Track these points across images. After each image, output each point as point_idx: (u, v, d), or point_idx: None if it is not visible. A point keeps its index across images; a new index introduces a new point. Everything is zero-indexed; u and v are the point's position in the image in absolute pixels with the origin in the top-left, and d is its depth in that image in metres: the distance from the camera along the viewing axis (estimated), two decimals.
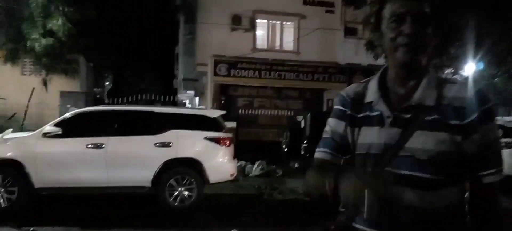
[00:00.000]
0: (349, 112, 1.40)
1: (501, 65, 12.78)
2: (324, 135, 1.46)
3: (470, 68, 11.37)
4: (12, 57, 14.06)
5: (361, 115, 1.37)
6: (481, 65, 12.18)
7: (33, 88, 13.54)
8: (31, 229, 5.28)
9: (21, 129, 10.82)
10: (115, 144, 6.50)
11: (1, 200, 6.07)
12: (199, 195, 6.63)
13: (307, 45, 14.81)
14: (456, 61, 11.65)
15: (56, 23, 12.79)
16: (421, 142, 1.24)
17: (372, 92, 1.37)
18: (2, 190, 6.09)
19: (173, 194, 6.55)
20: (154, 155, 6.55)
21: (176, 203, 6.55)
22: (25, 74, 14.85)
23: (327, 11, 15.10)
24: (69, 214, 6.26)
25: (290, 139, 10.90)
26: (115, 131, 6.62)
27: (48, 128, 6.48)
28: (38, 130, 6.58)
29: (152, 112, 6.95)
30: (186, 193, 6.58)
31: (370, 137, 1.32)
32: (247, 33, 14.83)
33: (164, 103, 15.75)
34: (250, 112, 14.30)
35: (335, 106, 1.46)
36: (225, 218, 6.18)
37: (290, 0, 14.75)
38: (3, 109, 13.27)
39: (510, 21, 8.84)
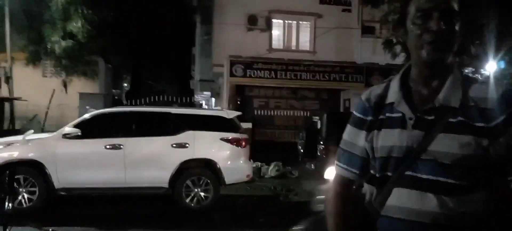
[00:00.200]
0: (370, 118, 1.35)
1: None
2: (344, 147, 1.41)
3: (491, 67, 11.09)
4: (33, 60, 14.43)
5: (382, 117, 1.32)
6: (502, 64, 11.88)
7: (54, 90, 13.85)
8: (51, 229, 5.38)
9: (42, 130, 11.07)
10: (133, 145, 6.58)
11: (22, 200, 6.21)
12: (215, 196, 6.65)
13: (324, 45, 14.70)
14: (477, 60, 11.39)
15: (76, 25, 13.06)
16: (445, 145, 1.19)
17: (393, 93, 1.31)
18: (23, 190, 6.22)
19: (190, 194, 6.60)
20: (171, 156, 6.61)
21: (192, 204, 6.60)
22: (46, 76, 15.23)
23: (343, 10, 14.97)
24: (87, 214, 6.37)
25: (306, 140, 10.83)
26: (133, 132, 6.71)
27: (67, 129, 6.59)
28: (58, 131, 6.71)
29: (169, 114, 7.01)
30: (202, 193, 6.62)
31: (391, 139, 1.27)
32: (263, 33, 14.82)
33: (181, 104, 15.89)
34: (266, 113, 14.28)
35: (355, 113, 1.40)
36: (241, 219, 6.19)
37: (306, 0, 14.67)
38: (24, 110, 13.61)
39: None
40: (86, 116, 7.08)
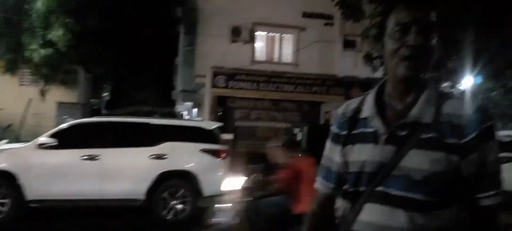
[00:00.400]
0: (345, 132, 1.35)
1: (498, 79, 12.80)
2: (323, 162, 1.44)
3: (468, 82, 11.38)
4: (11, 68, 14.11)
5: (355, 131, 1.32)
6: (479, 79, 12.21)
7: (30, 99, 13.55)
8: None
9: (18, 140, 10.79)
10: (110, 156, 6.46)
11: None
12: (193, 208, 6.56)
13: (306, 58, 14.83)
14: (454, 75, 11.66)
15: (56, 33, 12.83)
16: (416, 161, 1.18)
17: (368, 107, 1.31)
18: None
19: (167, 207, 6.49)
20: (149, 167, 6.51)
21: (169, 216, 6.49)
22: (23, 85, 14.88)
23: (326, 24, 15.15)
24: (60, 227, 6.19)
25: None
26: (110, 143, 6.60)
27: (42, 138, 6.45)
28: (33, 141, 6.55)
29: (147, 124, 6.93)
30: (180, 206, 6.52)
31: (364, 154, 1.27)
32: (246, 45, 14.87)
33: (163, 115, 15.74)
34: (247, 124, 14.26)
35: (331, 128, 1.42)
36: None
37: (290, 13, 14.81)
38: (0, 119, 13.25)
39: (506, 36, 8.86)
40: (63, 125, 6.94)
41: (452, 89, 12.79)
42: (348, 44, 15.17)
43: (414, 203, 1.18)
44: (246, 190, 4.32)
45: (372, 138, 1.26)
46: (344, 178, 1.34)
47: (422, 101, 1.23)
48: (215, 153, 6.76)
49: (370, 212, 1.23)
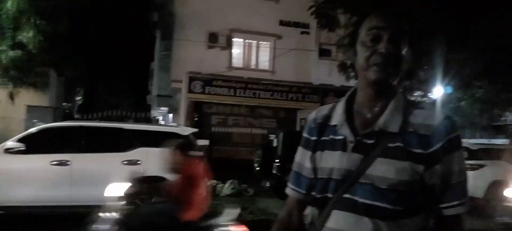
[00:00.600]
0: (314, 138, 1.36)
1: (466, 89, 13.26)
2: (294, 167, 1.44)
3: (438, 91, 11.73)
4: None
5: (325, 138, 1.33)
6: (449, 89, 12.60)
7: None
8: None
9: None
10: (81, 161, 6.30)
11: None
12: None
13: (282, 65, 14.97)
14: (425, 84, 12.00)
15: (27, 35, 12.46)
16: (382, 169, 1.19)
17: (337, 115, 1.32)
18: None
19: None
20: (121, 173, 6.35)
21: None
22: None
23: (302, 33, 15.36)
24: None
25: (262, 158, 10.87)
26: (81, 148, 6.43)
27: (10, 143, 6.22)
28: (0, 145, 6.32)
29: (120, 129, 6.80)
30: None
31: (332, 161, 1.28)
32: (223, 51, 14.88)
33: (137, 120, 15.50)
34: (224, 130, 14.24)
35: (303, 134, 1.42)
36: None
37: (267, 21, 14.93)
38: None
39: (473, 48, 9.21)
40: (32, 129, 6.72)
41: (422, 99, 13.17)
42: (324, 52, 15.43)
43: (380, 211, 1.19)
44: (128, 196, 3.99)
45: (341, 145, 1.27)
46: (314, 184, 1.35)
47: (390, 110, 1.24)
48: None
49: (337, 219, 1.24)
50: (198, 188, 3.74)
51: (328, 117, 1.36)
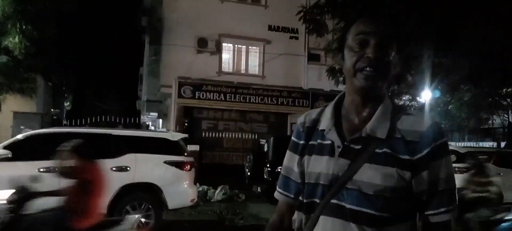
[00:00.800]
0: (302, 142, 1.35)
1: (454, 93, 13.44)
2: (282, 171, 1.43)
3: (426, 95, 11.87)
4: None
5: (313, 142, 1.32)
6: (437, 93, 12.75)
7: None
8: None
9: None
10: None
11: None
12: (157, 222, 6.40)
13: (272, 70, 15.00)
14: (414, 89, 12.14)
15: (13, 40, 12.27)
16: (369, 175, 1.18)
17: (325, 120, 1.31)
18: None
19: None
20: (110, 180, 6.29)
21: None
22: None
23: (291, 38, 15.42)
24: None
25: (253, 163, 10.86)
26: None
27: None
28: None
29: (109, 135, 6.72)
30: (143, 219, 6.34)
31: (319, 166, 1.27)
32: (213, 56, 14.85)
33: (127, 125, 15.36)
34: (214, 135, 14.20)
35: (291, 137, 1.41)
36: None
37: (255, 26, 14.96)
38: None
39: (459, 53, 9.35)
40: (19, 136, 6.61)
41: (411, 103, 13.31)
42: (313, 57, 15.51)
43: (366, 217, 1.18)
44: (11, 203, 3.69)
45: (329, 150, 1.27)
46: (302, 189, 1.34)
47: (377, 116, 1.24)
48: (179, 165, 6.65)
49: (325, 225, 1.24)
50: (94, 194, 3.51)
51: (316, 121, 1.35)
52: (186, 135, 8.01)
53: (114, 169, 6.31)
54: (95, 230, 3.54)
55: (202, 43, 14.47)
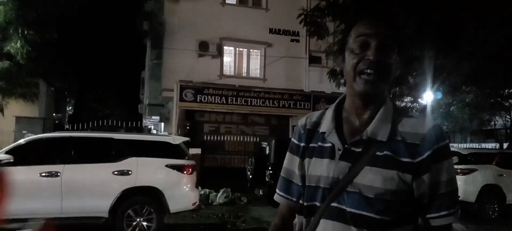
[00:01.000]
0: (303, 144, 1.34)
1: (456, 94, 13.40)
2: (282, 174, 1.41)
3: (428, 97, 11.84)
4: None
5: (313, 145, 1.31)
6: (439, 95, 12.72)
7: None
8: None
9: None
10: (71, 172, 6.23)
11: None
12: (158, 226, 6.41)
13: (274, 73, 15.02)
14: (415, 90, 12.11)
15: (14, 46, 12.33)
16: (369, 178, 1.17)
17: (326, 122, 1.30)
18: None
19: (131, 224, 6.31)
20: (112, 184, 6.32)
21: None
22: None
23: (292, 40, 15.43)
24: None
25: (255, 166, 10.85)
26: (71, 159, 6.37)
27: None
28: None
29: (111, 139, 6.73)
30: (145, 223, 6.36)
31: (320, 169, 1.26)
32: (214, 59, 14.87)
33: (128, 129, 15.39)
34: (216, 138, 14.20)
35: (292, 139, 1.40)
36: None
37: (257, 29, 14.99)
38: None
39: (460, 54, 9.33)
40: (21, 141, 6.64)
41: (411, 105, 13.28)
42: (314, 60, 15.52)
43: (367, 221, 1.17)
44: None
45: (329, 153, 1.26)
46: (302, 191, 1.33)
47: (378, 118, 1.23)
48: (181, 168, 6.66)
49: (325, 228, 1.23)
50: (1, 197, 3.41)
51: (317, 124, 1.34)
52: (187, 138, 8.03)
53: (115, 173, 6.33)
54: None
55: (203, 47, 14.50)
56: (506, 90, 13.64)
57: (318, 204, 1.25)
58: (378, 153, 1.19)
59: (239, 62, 15.54)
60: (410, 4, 7.99)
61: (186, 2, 14.44)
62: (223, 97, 13.91)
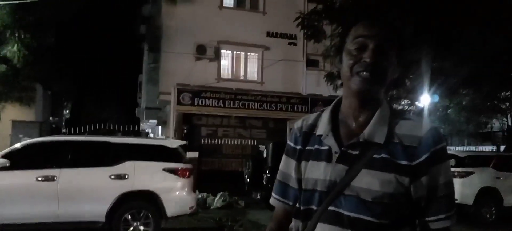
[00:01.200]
0: (299, 147, 1.32)
1: (453, 97, 13.44)
2: (278, 177, 1.39)
3: (425, 99, 11.86)
4: None
5: (310, 148, 1.30)
6: (436, 98, 12.75)
7: None
8: None
9: None
10: (67, 177, 6.19)
11: None
12: (156, 230, 6.37)
13: (271, 76, 15.03)
14: (412, 93, 12.14)
15: (11, 49, 12.28)
16: (367, 181, 1.16)
17: (323, 125, 1.29)
18: None
19: (129, 229, 6.27)
20: (109, 188, 6.28)
21: None
22: None
23: (289, 44, 15.46)
24: None
25: (252, 169, 10.83)
26: (68, 163, 6.32)
27: None
28: None
29: (108, 143, 6.70)
30: (142, 228, 6.32)
31: (316, 172, 1.24)
32: (211, 62, 14.88)
33: (126, 133, 15.33)
34: (213, 141, 14.19)
35: (288, 142, 1.38)
36: None
37: (254, 32, 15.01)
38: None
39: (457, 57, 9.36)
40: (17, 145, 6.60)
41: (409, 108, 13.31)
42: (311, 63, 15.56)
43: (365, 224, 1.15)
44: None
45: (326, 156, 1.24)
46: (299, 195, 1.31)
47: (375, 120, 1.21)
48: (178, 172, 6.62)
49: None
50: None
51: (313, 126, 1.33)
52: (185, 142, 8.00)
53: (112, 177, 6.29)
54: None
55: (201, 50, 14.50)
56: (503, 93, 13.68)
57: (315, 207, 1.24)
58: (375, 156, 1.18)
59: (237, 65, 15.56)
60: (408, 7, 8.01)
61: (183, 6, 14.45)
62: (221, 101, 13.90)
